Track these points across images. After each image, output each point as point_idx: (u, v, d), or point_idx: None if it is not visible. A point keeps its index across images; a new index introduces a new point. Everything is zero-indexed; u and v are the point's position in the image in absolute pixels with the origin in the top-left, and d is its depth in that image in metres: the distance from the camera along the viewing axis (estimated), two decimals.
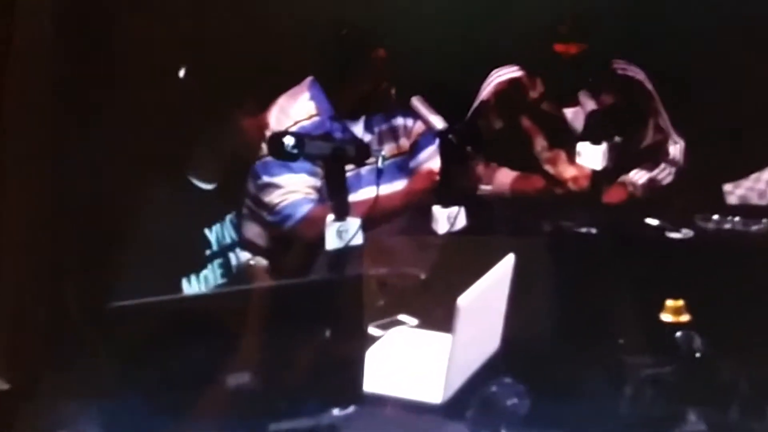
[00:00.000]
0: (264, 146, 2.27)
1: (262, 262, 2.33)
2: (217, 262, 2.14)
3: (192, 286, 2.06)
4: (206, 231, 2.12)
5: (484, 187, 2.68)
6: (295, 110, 2.58)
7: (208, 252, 2.12)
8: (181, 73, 2.11)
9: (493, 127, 2.79)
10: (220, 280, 2.13)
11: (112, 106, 2.18)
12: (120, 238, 1.95)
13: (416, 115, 2.49)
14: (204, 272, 2.09)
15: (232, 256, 2.19)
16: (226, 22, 2.69)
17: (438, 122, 2.38)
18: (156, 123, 2.09)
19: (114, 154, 2.14)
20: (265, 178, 2.52)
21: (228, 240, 2.18)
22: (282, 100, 2.62)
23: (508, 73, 2.82)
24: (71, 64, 2.05)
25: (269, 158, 2.39)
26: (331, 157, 2.15)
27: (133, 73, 2.29)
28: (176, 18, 2.46)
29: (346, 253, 2.13)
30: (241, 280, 2.19)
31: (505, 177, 2.77)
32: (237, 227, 2.24)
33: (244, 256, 2.27)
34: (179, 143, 2.08)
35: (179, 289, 2.01)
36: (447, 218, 2.31)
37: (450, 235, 2.29)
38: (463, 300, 1.66)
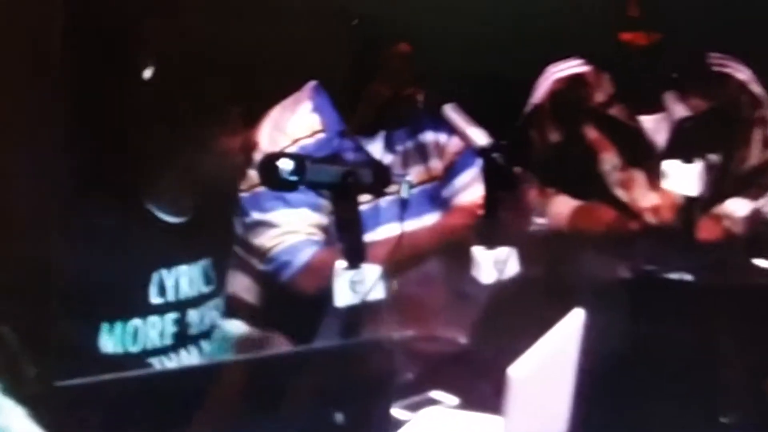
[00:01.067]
0: (253, 172, 2.27)
1: (240, 328, 2.32)
2: (170, 317, 2.13)
3: (112, 337, 2.06)
4: (162, 272, 2.11)
5: (539, 221, 2.68)
6: (293, 124, 2.61)
7: (157, 300, 2.11)
8: (146, 73, 2.12)
9: (548, 140, 2.79)
10: (167, 342, 2.13)
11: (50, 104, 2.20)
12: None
13: (451, 129, 2.50)
14: (136, 323, 2.08)
15: (192, 315, 2.18)
16: (202, 7, 2.74)
17: (479, 137, 2.38)
18: (108, 133, 2.13)
19: (49, 165, 2.14)
20: (255, 215, 2.54)
21: (193, 292, 2.18)
22: (276, 112, 2.65)
23: (569, 68, 2.82)
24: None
25: (260, 188, 2.44)
26: (341, 185, 2.14)
27: (82, 64, 2.31)
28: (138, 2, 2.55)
29: (361, 311, 2.12)
30: (209, 349, 2.22)
31: (563, 207, 2.77)
32: (211, 278, 2.23)
33: (217, 318, 2.27)
34: (137, 161, 2.11)
35: (93, 337, 2.05)
36: (493, 263, 2.30)
37: (498, 285, 2.29)
38: (517, 370, 1.60)
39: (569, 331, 1.75)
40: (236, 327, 2.34)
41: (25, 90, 2.32)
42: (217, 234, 2.27)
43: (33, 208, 2.04)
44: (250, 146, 2.20)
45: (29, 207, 2.06)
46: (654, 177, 2.63)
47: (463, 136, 2.43)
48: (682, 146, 2.57)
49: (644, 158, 2.73)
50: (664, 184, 2.58)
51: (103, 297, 2.05)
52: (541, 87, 2.83)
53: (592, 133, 2.79)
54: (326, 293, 2.15)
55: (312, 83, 2.67)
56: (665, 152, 2.62)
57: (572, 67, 2.83)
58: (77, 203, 2.06)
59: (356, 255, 2.14)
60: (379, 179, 2.22)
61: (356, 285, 2.11)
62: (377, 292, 2.16)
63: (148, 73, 2.11)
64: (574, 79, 2.80)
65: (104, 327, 2.05)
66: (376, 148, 2.66)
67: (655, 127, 2.75)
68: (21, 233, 1.97)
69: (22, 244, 1.95)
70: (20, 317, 1.86)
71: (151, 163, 2.11)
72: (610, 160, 2.78)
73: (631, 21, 2.68)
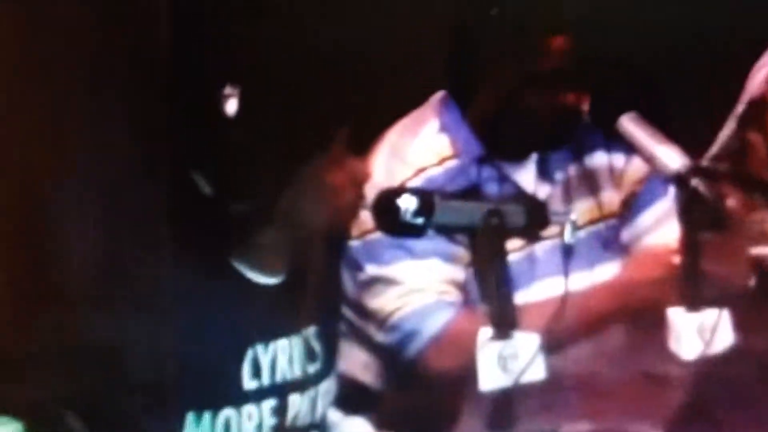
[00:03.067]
0: (366, 214, 2.17)
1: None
2: (267, 404, 2.09)
3: (199, 431, 2.04)
4: (256, 349, 2.09)
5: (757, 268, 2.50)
6: (416, 150, 2.56)
7: (252, 384, 2.08)
8: (228, 106, 2.07)
9: None
10: None
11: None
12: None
13: (630, 147, 2.40)
14: (228, 413, 2.06)
15: (296, 401, 2.14)
16: (295, 11, 2.66)
17: (671, 157, 2.27)
18: (186, 178, 2.11)
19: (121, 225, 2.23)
20: (371, 269, 2.50)
21: (295, 371, 2.14)
22: (394, 135, 2.61)
23: None
24: None
25: (376, 235, 2.39)
26: (483, 227, 2.04)
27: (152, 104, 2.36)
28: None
29: (515, 396, 2.00)
30: None
31: None
32: (317, 353, 2.18)
33: (329, 408, 2.22)
34: (221, 213, 2.08)
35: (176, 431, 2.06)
36: (697, 331, 2.15)
37: (704, 361, 2.12)
38: None
39: None
40: (356, 429, 2.32)
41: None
42: (321, 296, 2.21)
43: (98, 272, 2.10)
44: (361, 180, 2.13)
45: (94, 271, 2.14)
46: None
47: (647, 157, 2.32)
48: None
49: None
50: None
51: (186, 380, 2.01)
52: (755, 78, 2.66)
53: None
54: (467, 373, 2.03)
55: (439, 95, 2.62)
56: None
57: None
58: (151, 265, 2.04)
59: (506, 321, 2.03)
60: (534, 219, 2.08)
61: (507, 361, 2.00)
62: (536, 370, 2.03)
63: (230, 107, 2.07)
64: None
65: (190, 418, 2.02)
66: (527, 177, 2.59)
67: None
68: (90, 304, 2.01)
69: (89, 319, 1.99)
70: (89, 404, 1.94)
71: (239, 212, 2.08)
72: None
73: None
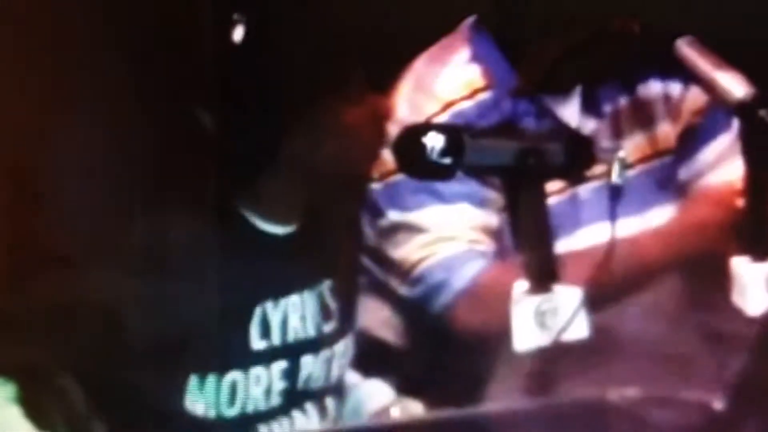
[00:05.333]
0: (388, 154, 2.09)
1: (382, 395, 2.33)
2: (277, 367, 2.09)
3: (202, 395, 2.04)
4: (266, 306, 2.09)
5: None
6: (444, 82, 2.50)
7: (261, 345, 2.08)
8: (236, 34, 2.06)
9: None
10: (275, 402, 2.10)
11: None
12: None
13: (688, 75, 2.31)
14: (234, 376, 2.06)
15: (309, 363, 2.15)
16: None
17: (734, 85, 2.18)
18: (188, 114, 2.11)
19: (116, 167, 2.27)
20: (393, 215, 2.46)
21: (309, 331, 2.14)
22: (420, 65, 2.55)
23: None
24: None
25: (399, 177, 2.35)
26: (518, 168, 1.97)
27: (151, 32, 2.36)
28: None
29: (555, 356, 1.93)
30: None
31: None
32: (333, 310, 2.18)
33: (347, 370, 2.25)
34: (227, 152, 2.08)
35: (178, 395, 2.04)
36: (766, 283, 2.09)
37: None
38: None
39: None
40: (376, 394, 2.33)
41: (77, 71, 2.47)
42: (338, 247, 2.23)
43: (97, 227, 2.13)
44: (383, 116, 2.15)
45: (93, 227, 2.16)
46: None
47: (708, 86, 2.22)
48: None
49: None
50: None
51: (190, 341, 2.02)
52: None
53: None
54: (500, 330, 1.97)
55: (469, 20, 2.57)
56: None
57: None
58: (151, 217, 2.08)
59: (545, 272, 1.96)
60: (577, 157, 2.00)
61: (546, 317, 1.93)
62: (578, 328, 1.96)
63: (238, 34, 2.08)
64: None
65: (192, 382, 2.03)
66: (570, 110, 2.51)
67: None
68: (85, 260, 2.04)
69: (86, 274, 2.03)
70: (86, 366, 1.98)
71: (247, 152, 2.08)
72: None
73: None
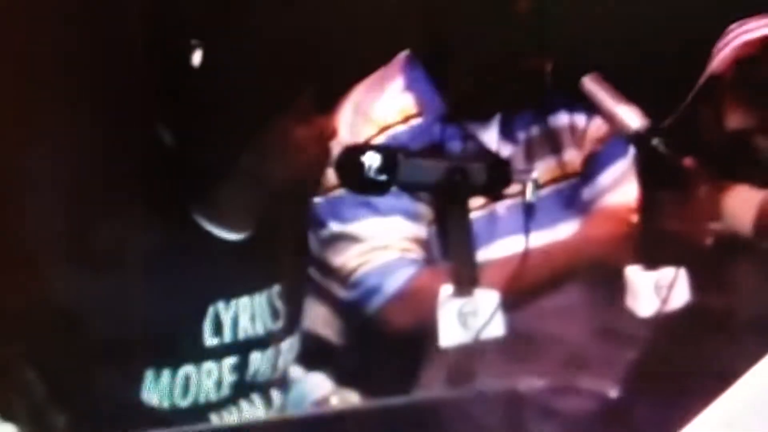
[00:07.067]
0: (331, 171, 2.22)
1: (322, 387, 2.35)
2: (228, 362, 2.14)
3: (157, 387, 2.08)
4: (218, 306, 2.13)
5: (714, 227, 2.58)
6: (381, 108, 2.59)
7: (213, 341, 2.13)
8: (196, 56, 2.11)
9: (729, 124, 2.69)
10: (225, 393, 2.14)
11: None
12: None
13: (591, 108, 2.43)
14: (187, 370, 2.10)
15: (257, 359, 2.18)
16: None
17: (632, 117, 2.31)
18: (146, 128, 2.16)
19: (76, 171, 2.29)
20: (334, 226, 2.53)
21: (257, 329, 2.18)
22: (359, 92, 2.64)
23: (762, 27, 2.73)
24: None
25: (340, 192, 2.42)
26: (446, 185, 2.11)
27: (114, 50, 2.45)
28: None
29: (474, 352, 2.08)
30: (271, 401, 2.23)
31: (745, 202, 2.66)
32: (281, 311, 2.23)
33: (291, 365, 2.28)
34: (182, 163, 2.13)
35: (134, 387, 2.08)
36: (654, 289, 2.22)
37: (660, 318, 2.20)
38: None
39: (765, 382, 1.64)
40: (317, 385, 2.34)
41: (45, 84, 2.55)
42: (286, 253, 2.26)
43: (57, 229, 2.14)
44: (328, 136, 2.19)
45: (54, 228, 2.17)
46: None
47: (609, 117, 2.35)
48: None
49: None
50: None
51: (146, 337, 2.06)
52: (721, 52, 2.74)
53: None
54: (427, 329, 2.11)
55: (404, 54, 2.65)
56: None
57: (767, 26, 2.77)
58: (110, 220, 2.09)
59: (467, 278, 2.09)
60: (496, 177, 2.15)
61: (467, 317, 2.07)
62: (495, 327, 2.10)
63: (196, 59, 2.11)
64: None
65: (148, 375, 2.07)
66: (490, 136, 2.61)
67: None
68: (45, 260, 2.07)
69: (46, 273, 2.05)
70: (47, 360, 2.01)
71: (203, 165, 2.12)
72: None
73: None
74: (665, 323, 2.21)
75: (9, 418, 1.96)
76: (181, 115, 2.12)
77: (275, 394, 2.22)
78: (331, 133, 2.20)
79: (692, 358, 2.08)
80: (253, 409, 2.19)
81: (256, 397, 2.20)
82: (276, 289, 2.20)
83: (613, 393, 1.98)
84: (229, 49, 2.14)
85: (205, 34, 2.14)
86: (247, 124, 2.11)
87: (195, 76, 2.11)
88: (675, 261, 2.22)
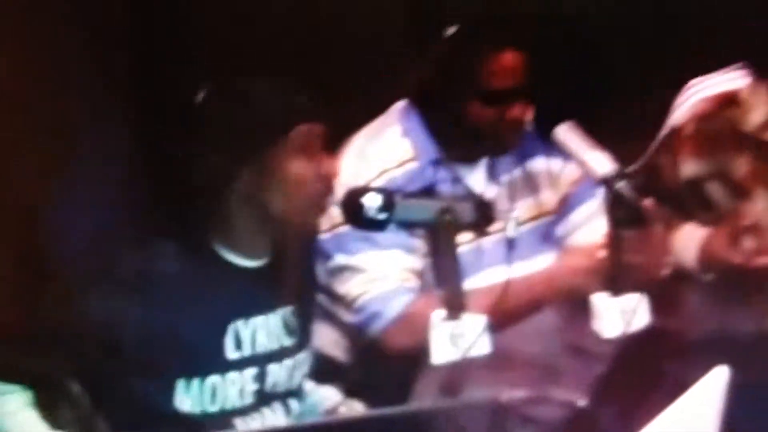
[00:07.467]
0: (336, 210, 2.31)
1: (331, 397, 2.43)
2: (248, 372, 2.21)
3: (189, 395, 2.15)
4: (237, 324, 2.20)
5: (668, 260, 2.64)
6: (380, 153, 2.66)
7: (234, 355, 2.20)
8: (200, 96, 2.19)
9: (685, 173, 2.78)
10: (248, 401, 2.20)
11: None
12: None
13: (566, 154, 2.54)
14: (214, 380, 2.17)
15: (274, 370, 2.25)
16: (266, 15, 2.87)
17: (601, 163, 2.40)
18: (168, 168, 2.23)
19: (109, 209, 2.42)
20: (339, 258, 2.59)
21: (272, 344, 2.24)
22: (360, 138, 2.71)
23: (719, 84, 2.79)
24: None
25: (344, 228, 2.47)
26: (437, 223, 2.21)
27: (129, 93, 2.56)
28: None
29: (462, 368, 2.18)
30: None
31: (689, 240, 2.72)
32: (293, 329, 2.28)
33: (305, 377, 2.34)
34: (201, 198, 2.18)
35: (168, 395, 2.15)
36: (619, 313, 2.33)
37: (624, 339, 2.30)
38: None
39: (710, 393, 1.73)
40: (327, 396, 2.41)
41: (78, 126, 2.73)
42: (297, 279, 2.31)
43: (94, 258, 2.24)
44: (330, 175, 2.22)
45: (90, 257, 2.29)
46: None
47: (581, 163, 2.46)
48: None
49: None
50: None
51: (175, 352, 2.13)
52: (682, 106, 2.80)
53: (743, 166, 2.76)
54: (422, 348, 2.22)
55: (401, 103, 2.71)
56: None
57: (724, 82, 2.79)
58: (141, 250, 2.18)
59: (456, 304, 2.20)
60: (482, 216, 2.25)
61: (456, 338, 2.17)
62: (481, 346, 2.21)
63: (200, 97, 2.18)
64: (726, 99, 2.77)
65: (180, 384, 2.15)
66: (477, 179, 2.70)
67: None
68: (86, 286, 2.15)
69: (87, 298, 2.12)
70: (90, 375, 2.08)
71: (217, 198, 2.16)
72: (764, 200, 2.75)
73: None
74: (628, 342, 2.30)
75: (58, 427, 2.05)
76: (191, 147, 2.16)
77: (293, 404, 2.26)
78: (333, 173, 2.21)
79: (650, 373, 2.14)
80: (274, 416, 2.23)
81: (277, 406, 2.24)
82: (289, 309, 2.24)
83: (582, 403, 2.07)
84: (228, 89, 2.20)
85: (212, 75, 2.21)
86: (255, 160, 2.14)
87: (198, 111, 2.18)
88: (637, 289, 2.33)
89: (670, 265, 2.62)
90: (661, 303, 2.36)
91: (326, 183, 2.20)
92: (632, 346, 2.31)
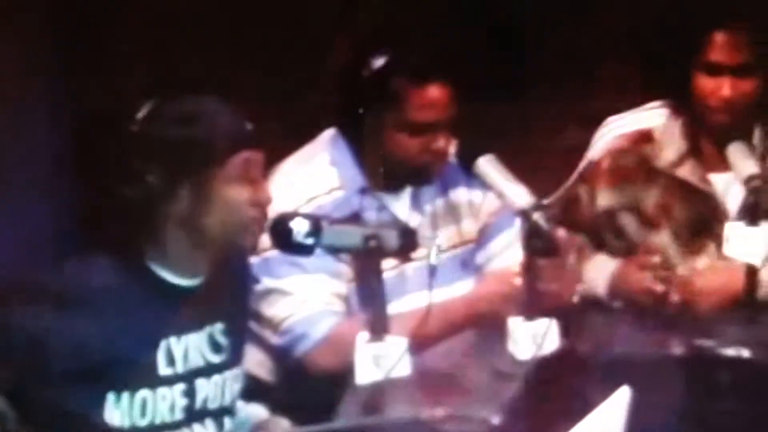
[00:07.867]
0: (265, 235, 2.31)
1: (259, 414, 2.45)
2: (178, 388, 2.21)
3: (118, 408, 2.14)
4: (170, 341, 2.20)
5: (578, 287, 2.70)
6: (308, 180, 2.67)
7: (167, 371, 2.20)
8: (144, 110, 2.17)
9: (600, 205, 2.83)
10: (178, 416, 2.20)
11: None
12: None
13: (486, 185, 2.56)
14: (144, 394, 2.17)
15: (202, 385, 2.25)
16: (200, 39, 2.85)
17: (519, 195, 2.44)
18: (103, 185, 2.21)
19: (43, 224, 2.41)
20: (267, 282, 2.60)
21: (200, 361, 2.25)
22: (289, 165, 2.72)
23: (634, 123, 2.85)
24: None
25: (272, 252, 2.48)
26: (363, 249, 2.29)
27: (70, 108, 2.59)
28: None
29: (385, 388, 2.25)
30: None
31: (600, 270, 2.79)
32: (222, 346, 2.27)
33: (237, 394, 2.34)
34: (136, 216, 2.17)
35: (98, 408, 2.14)
36: (531, 337, 2.39)
37: (536, 361, 2.36)
38: None
39: (614, 411, 1.80)
40: (255, 413, 2.43)
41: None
42: (231, 298, 2.32)
43: (27, 271, 2.23)
44: (265, 201, 2.22)
45: (22, 270, 2.28)
46: (718, 242, 2.68)
47: (500, 194, 2.48)
48: (747, 207, 2.61)
49: (715, 225, 2.75)
50: (726, 249, 2.62)
51: (106, 366, 2.12)
52: (599, 141, 2.87)
53: (653, 199, 2.82)
54: (347, 369, 2.29)
55: (330, 132, 2.72)
56: (738, 215, 2.68)
57: (640, 119, 2.85)
58: (75, 266, 2.17)
59: (380, 327, 2.29)
60: (405, 243, 2.31)
61: (380, 360, 2.24)
62: (402, 367, 2.29)
63: (141, 115, 2.17)
64: (641, 136, 2.82)
65: (110, 398, 2.13)
66: (401, 207, 2.72)
67: (725, 187, 2.77)
68: (17, 299, 2.13)
69: (17, 310, 2.11)
70: (17, 389, 2.05)
71: (153, 216, 2.15)
72: (675, 233, 2.81)
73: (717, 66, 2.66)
74: (540, 364, 2.36)
75: None
76: (129, 163, 2.13)
77: (227, 422, 2.27)
78: (269, 200, 2.21)
79: (560, 392, 2.25)
80: None
81: (209, 423, 2.25)
82: (218, 326, 2.25)
83: (497, 420, 2.13)
84: (174, 107, 2.17)
85: (153, 94, 2.18)
86: (189, 181, 2.14)
87: (140, 126, 2.14)
88: (549, 314, 2.40)
89: (581, 292, 2.68)
90: (570, 328, 2.44)
91: (262, 209, 2.21)
92: (544, 367, 2.36)
